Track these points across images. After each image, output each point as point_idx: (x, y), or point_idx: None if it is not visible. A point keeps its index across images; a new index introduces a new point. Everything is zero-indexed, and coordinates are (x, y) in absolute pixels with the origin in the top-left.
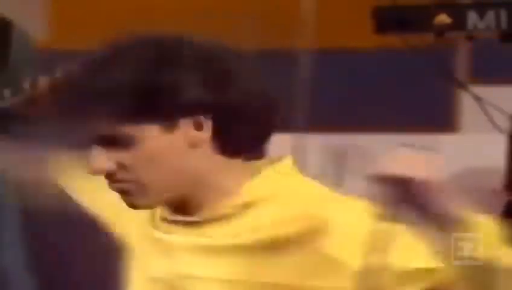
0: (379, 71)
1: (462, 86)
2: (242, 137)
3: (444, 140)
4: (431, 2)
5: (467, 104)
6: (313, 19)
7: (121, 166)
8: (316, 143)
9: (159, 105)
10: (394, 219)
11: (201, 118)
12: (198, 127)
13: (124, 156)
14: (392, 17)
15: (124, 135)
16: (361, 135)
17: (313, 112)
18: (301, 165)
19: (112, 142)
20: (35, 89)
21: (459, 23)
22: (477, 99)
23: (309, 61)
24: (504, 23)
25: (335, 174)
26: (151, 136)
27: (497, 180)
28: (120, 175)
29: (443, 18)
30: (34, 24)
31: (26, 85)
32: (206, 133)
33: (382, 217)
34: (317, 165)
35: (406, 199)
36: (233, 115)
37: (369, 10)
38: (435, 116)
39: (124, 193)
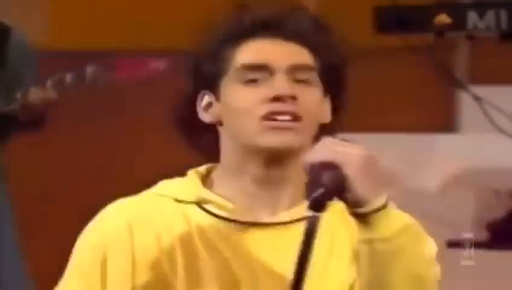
0: (379, 71)
1: (462, 86)
2: None
3: (444, 140)
4: (431, 2)
5: (467, 104)
6: None
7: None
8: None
9: None
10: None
11: None
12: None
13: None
14: (392, 17)
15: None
16: (361, 134)
17: None
18: None
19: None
20: (26, 99)
21: (459, 23)
22: (477, 99)
23: None
24: (504, 23)
25: None
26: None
27: (498, 181)
28: (293, 104)
29: (443, 18)
30: (34, 25)
31: (18, 95)
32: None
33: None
34: None
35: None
36: None
37: (369, 10)
38: (435, 116)
39: (284, 129)
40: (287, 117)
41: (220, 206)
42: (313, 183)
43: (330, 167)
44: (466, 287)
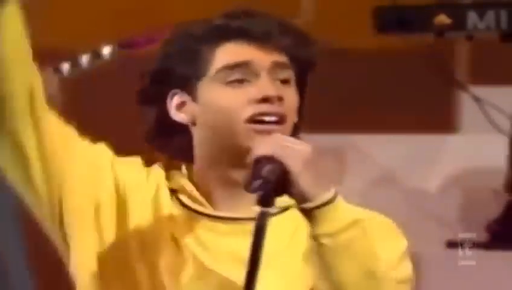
0: (379, 71)
1: (462, 86)
2: None
3: (444, 140)
4: (431, 2)
5: (467, 104)
6: (313, 19)
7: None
8: (316, 143)
9: None
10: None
11: None
12: None
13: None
14: (392, 17)
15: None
16: (361, 135)
17: (313, 112)
18: None
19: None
20: None
21: (459, 23)
22: (477, 99)
23: None
24: (504, 23)
25: (334, 174)
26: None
27: (497, 181)
28: (279, 105)
29: (443, 18)
30: (33, 25)
31: None
32: None
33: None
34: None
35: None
36: None
37: (369, 10)
38: (435, 116)
39: (269, 133)
40: (274, 118)
41: (189, 196)
42: (253, 175)
43: (272, 160)
44: (466, 287)
